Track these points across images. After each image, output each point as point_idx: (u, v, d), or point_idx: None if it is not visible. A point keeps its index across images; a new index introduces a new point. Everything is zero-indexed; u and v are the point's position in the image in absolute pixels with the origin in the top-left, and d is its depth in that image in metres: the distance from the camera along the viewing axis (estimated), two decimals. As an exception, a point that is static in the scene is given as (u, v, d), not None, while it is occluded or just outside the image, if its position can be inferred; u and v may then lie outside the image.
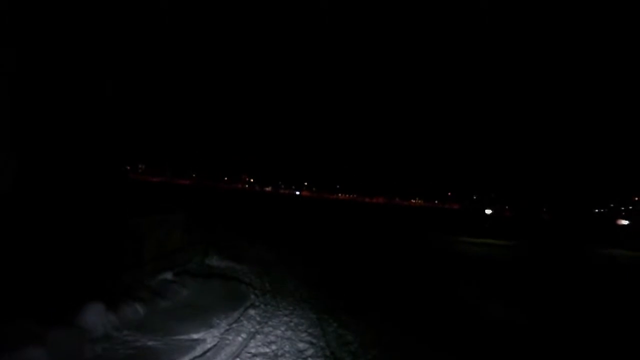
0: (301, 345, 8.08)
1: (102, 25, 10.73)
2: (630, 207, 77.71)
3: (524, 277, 18.69)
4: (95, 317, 6.48)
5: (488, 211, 66.61)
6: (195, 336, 7.46)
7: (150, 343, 6.70)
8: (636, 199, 79.56)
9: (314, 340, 8.42)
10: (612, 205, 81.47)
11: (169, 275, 10.43)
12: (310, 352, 7.82)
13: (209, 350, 7.15)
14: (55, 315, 5.72)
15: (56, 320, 5.67)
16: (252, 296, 11.03)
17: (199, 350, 6.97)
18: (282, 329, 8.96)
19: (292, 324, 9.37)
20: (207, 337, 7.55)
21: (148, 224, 11.00)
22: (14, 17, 6.63)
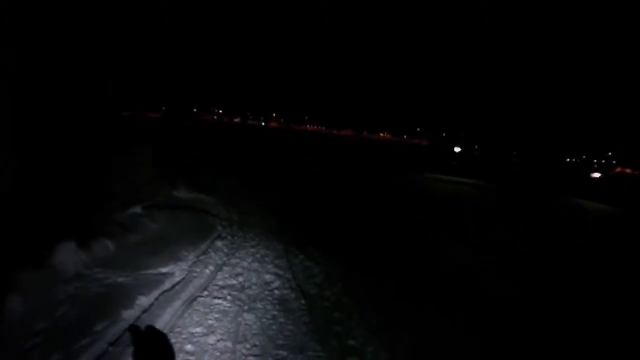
0: (268, 277, 8.48)
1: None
2: (603, 161, 79.27)
3: (490, 220, 19.11)
4: (66, 256, 6.68)
5: (457, 149, 66.64)
6: (163, 270, 7.74)
7: (120, 279, 6.97)
8: (609, 154, 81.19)
9: (280, 272, 8.84)
10: (584, 157, 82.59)
11: (137, 209, 10.58)
12: (276, 284, 8.23)
13: (177, 283, 7.48)
14: (28, 258, 5.89)
15: (29, 263, 5.85)
16: (220, 228, 11.33)
17: (167, 284, 7.28)
18: (249, 260, 9.34)
19: (258, 255, 9.75)
20: (176, 271, 7.85)
21: (115, 158, 11.03)
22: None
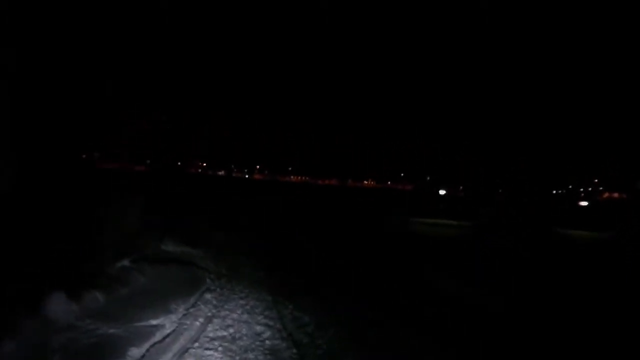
0: (258, 328, 8.42)
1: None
2: (590, 189, 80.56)
3: (477, 257, 19.28)
4: (58, 306, 6.67)
5: (442, 192, 67.42)
6: (154, 322, 7.72)
7: (111, 331, 6.94)
8: (596, 180, 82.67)
9: (271, 323, 8.78)
10: (570, 187, 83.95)
11: (126, 262, 10.59)
12: (267, 334, 8.17)
13: (168, 335, 7.43)
14: (20, 307, 5.89)
15: (24, 308, 5.84)
16: (208, 280, 11.32)
17: (158, 336, 7.25)
18: (239, 312, 9.29)
19: (248, 307, 9.70)
20: (166, 323, 7.83)
21: (108, 211, 11.09)
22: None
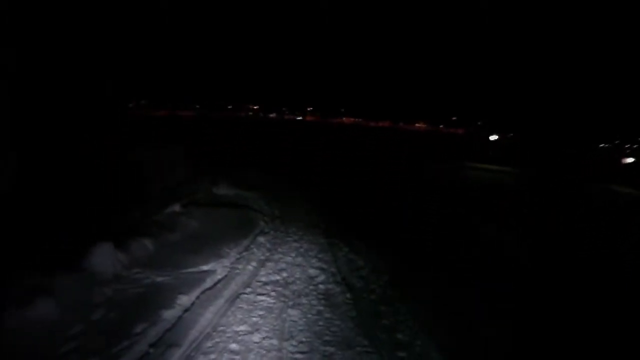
0: (312, 272, 8.17)
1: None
2: (636, 146, 75.73)
3: (523, 205, 18.49)
4: (104, 258, 6.47)
5: (493, 137, 65.22)
6: (204, 268, 7.51)
7: (159, 279, 6.75)
8: None
9: (325, 266, 8.51)
10: (617, 142, 79.24)
11: (176, 208, 10.41)
12: (321, 278, 7.91)
13: (219, 281, 7.24)
14: (62, 262, 5.71)
15: (63, 266, 5.65)
16: (262, 223, 11.08)
17: (209, 282, 7.04)
18: (292, 255, 9.05)
19: (302, 249, 9.44)
20: (217, 268, 7.61)
21: (152, 157, 10.91)
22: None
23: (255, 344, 5.37)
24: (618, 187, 27.42)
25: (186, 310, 5.98)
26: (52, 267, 5.29)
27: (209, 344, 5.26)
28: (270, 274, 7.92)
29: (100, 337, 4.84)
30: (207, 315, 5.98)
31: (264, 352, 5.21)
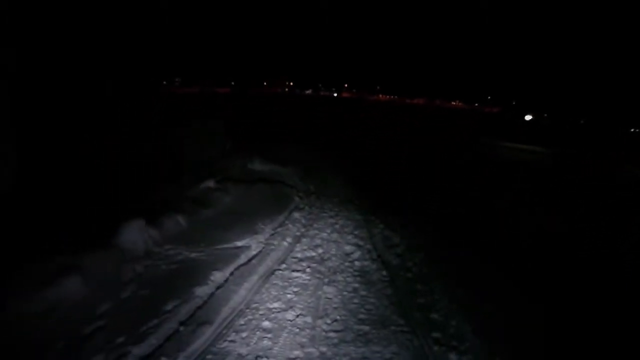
0: (348, 248, 7.98)
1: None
2: None
3: (556, 186, 17.80)
4: (135, 234, 6.39)
5: (528, 117, 63.68)
6: (239, 244, 7.38)
7: (193, 255, 6.66)
8: None
9: (360, 243, 8.30)
10: None
11: (210, 183, 10.32)
12: (357, 254, 7.70)
13: (253, 257, 7.10)
14: (93, 241, 5.63)
15: (95, 244, 5.57)
16: (297, 199, 10.91)
17: (243, 258, 6.91)
18: (328, 231, 8.87)
19: (337, 226, 9.26)
20: (252, 244, 7.47)
21: (185, 132, 10.82)
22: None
23: (289, 322, 5.23)
24: None
25: (219, 287, 5.86)
26: (82, 245, 5.20)
27: (242, 321, 5.13)
28: (305, 250, 7.76)
29: (129, 315, 4.74)
30: (241, 292, 5.85)
31: (297, 330, 5.06)
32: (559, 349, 5.28)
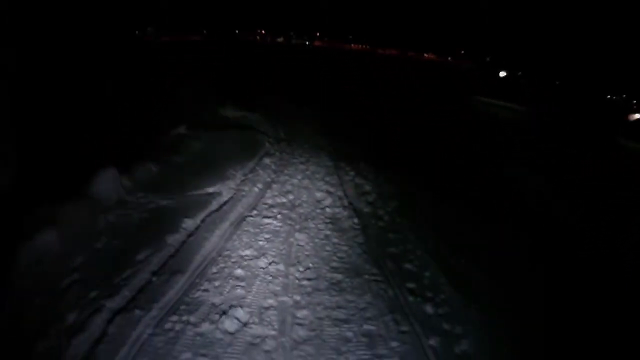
0: (319, 195, 8.06)
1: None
2: None
3: (528, 141, 17.99)
4: (106, 184, 6.31)
5: (502, 73, 63.52)
6: (210, 190, 7.41)
7: (164, 202, 6.66)
8: None
9: (332, 190, 8.40)
10: (624, 95, 74.69)
11: (182, 130, 10.22)
12: (328, 201, 7.80)
13: (225, 203, 7.15)
14: (64, 191, 5.54)
15: (67, 197, 5.49)
16: (267, 145, 10.89)
17: (214, 205, 6.95)
18: (299, 177, 8.94)
19: (308, 172, 9.32)
20: (223, 190, 7.51)
21: (161, 81, 10.57)
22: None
23: (261, 270, 5.33)
24: (624, 140, 26.61)
25: (190, 234, 5.91)
26: (55, 197, 5.13)
27: (214, 269, 5.21)
28: (276, 196, 7.83)
29: (102, 267, 4.77)
30: (213, 240, 5.92)
31: (270, 278, 5.17)
32: (533, 302, 5.47)
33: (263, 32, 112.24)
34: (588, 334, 4.91)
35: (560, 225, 8.46)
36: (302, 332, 4.28)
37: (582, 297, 5.80)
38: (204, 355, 3.82)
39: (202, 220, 6.37)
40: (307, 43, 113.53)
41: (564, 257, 7.00)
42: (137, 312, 4.19)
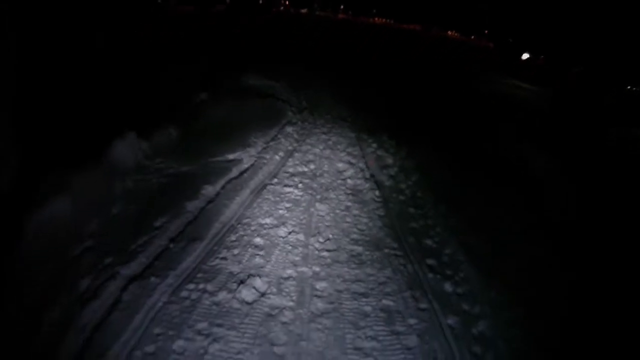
0: (340, 166, 7.93)
1: None
2: None
3: (543, 122, 17.43)
4: (125, 149, 6.19)
5: (525, 55, 62.18)
6: (230, 157, 7.27)
7: (184, 168, 6.55)
8: None
9: (353, 161, 8.23)
10: None
11: (203, 96, 10.07)
12: (349, 172, 7.66)
13: (245, 170, 7.01)
14: (84, 158, 5.42)
15: (84, 162, 5.36)
16: (290, 113, 10.71)
17: (235, 172, 6.81)
18: (320, 147, 8.79)
19: (330, 142, 9.15)
20: (244, 157, 7.37)
21: (183, 48, 10.42)
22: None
23: (281, 239, 5.22)
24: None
25: (210, 201, 5.79)
26: (69, 163, 5.01)
27: (233, 237, 5.11)
28: (297, 165, 7.70)
29: (117, 234, 4.67)
30: (232, 207, 5.80)
31: (290, 247, 5.05)
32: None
33: (287, 2, 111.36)
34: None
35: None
36: (320, 305, 4.16)
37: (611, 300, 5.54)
38: (220, 325, 3.71)
39: (222, 187, 6.25)
40: (331, 15, 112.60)
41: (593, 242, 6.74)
42: (153, 279, 4.09)
